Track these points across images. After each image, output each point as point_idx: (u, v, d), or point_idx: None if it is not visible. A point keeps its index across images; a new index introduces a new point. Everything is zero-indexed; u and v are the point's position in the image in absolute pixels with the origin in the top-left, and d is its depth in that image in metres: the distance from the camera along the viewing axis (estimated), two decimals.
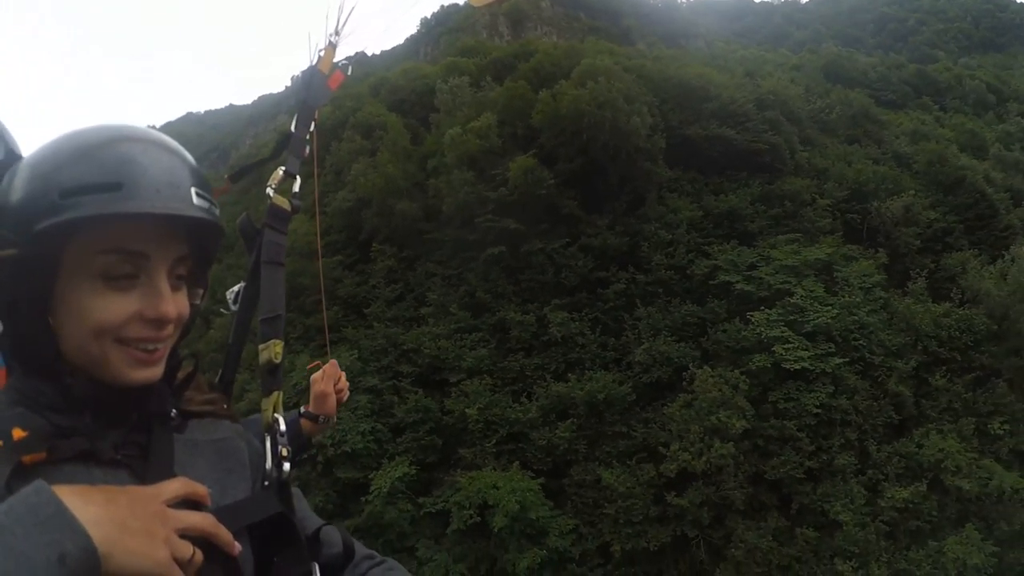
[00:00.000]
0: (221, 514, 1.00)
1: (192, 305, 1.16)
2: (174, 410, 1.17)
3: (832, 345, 31.76)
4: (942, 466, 30.48)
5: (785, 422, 29.82)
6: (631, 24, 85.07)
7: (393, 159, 42.06)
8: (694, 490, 28.25)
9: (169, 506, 0.92)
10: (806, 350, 30.84)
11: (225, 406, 1.31)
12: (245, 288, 1.48)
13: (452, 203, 37.80)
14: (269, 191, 1.46)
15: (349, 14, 1.72)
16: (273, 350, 1.30)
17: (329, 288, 39.41)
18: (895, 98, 70.35)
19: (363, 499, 30.71)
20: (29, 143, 1.28)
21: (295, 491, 1.27)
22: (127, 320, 1.01)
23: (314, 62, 1.70)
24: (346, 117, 49.61)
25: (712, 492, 28.18)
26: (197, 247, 1.14)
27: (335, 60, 1.73)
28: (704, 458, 27.46)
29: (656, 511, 28.72)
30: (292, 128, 1.63)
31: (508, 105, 41.91)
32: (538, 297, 35.40)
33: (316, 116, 1.68)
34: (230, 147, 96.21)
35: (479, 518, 28.57)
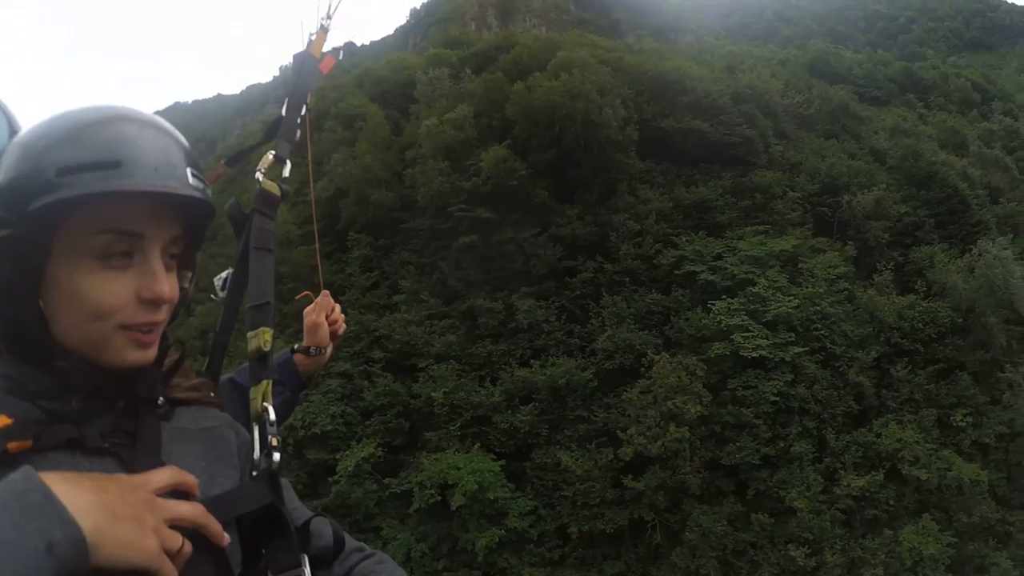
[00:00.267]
0: (210, 504, 0.99)
1: (181, 288, 1.16)
2: (161, 397, 1.15)
3: (793, 334, 32.29)
4: (900, 456, 30.79)
5: (742, 409, 30.42)
6: (621, 17, 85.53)
7: (372, 149, 42.59)
8: (650, 474, 28.87)
9: (158, 496, 0.91)
10: (765, 339, 31.41)
11: (212, 394, 1.29)
12: (233, 275, 1.47)
13: (427, 193, 38.38)
14: (258, 176, 1.45)
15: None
16: (262, 338, 1.29)
17: (306, 276, 40.00)
18: (880, 95, 70.68)
19: (331, 480, 31.44)
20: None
21: (284, 482, 1.23)
22: (125, 301, 1.01)
23: (306, 47, 1.69)
24: (329, 107, 50.04)
25: (668, 476, 28.78)
26: (188, 229, 1.14)
27: (326, 45, 1.73)
28: (660, 442, 28.08)
29: (613, 494, 29.39)
30: (283, 112, 1.61)
31: (485, 97, 42.45)
32: (508, 285, 36.03)
33: (308, 101, 1.67)
34: (217, 137, 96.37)
35: (440, 498, 29.30)
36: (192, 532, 0.93)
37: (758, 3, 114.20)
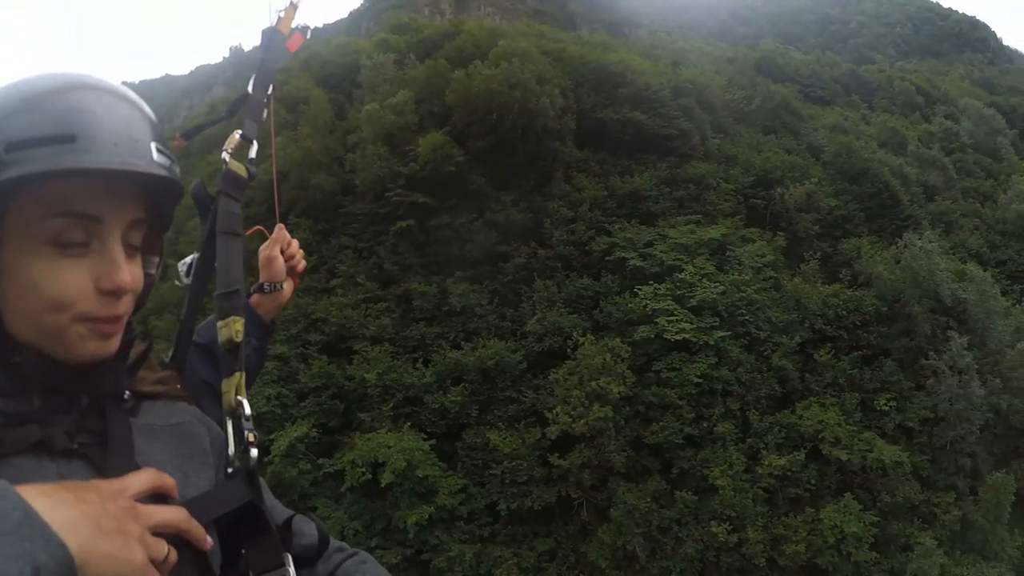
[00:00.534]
0: (189, 506, 0.94)
1: (147, 274, 1.09)
2: (127, 391, 1.08)
3: (717, 319, 33.23)
4: (820, 437, 31.67)
5: (666, 390, 31.21)
6: (576, 10, 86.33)
7: (313, 133, 42.57)
8: (576, 453, 29.52)
9: (137, 501, 0.85)
10: (689, 323, 32.27)
11: (179, 386, 1.23)
12: (198, 259, 1.39)
13: (366, 177, 38.60)
14: (225, 156, 1.38)
15: None
16: (233, 327, 1.20)
17: (246, 259, 39.96)
18: (824, 95, 72.57)
19: (266, 460, 31.54)
20: None
21: (260, 479, 1.16)
22: (83, 292, 0.93)
23: (274, 23, 1.63)
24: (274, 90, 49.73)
25: (593, 455, 29.44)
26: (153, 210, 1.06)
27: (294, 22, 1.67)
28: (583, 421, 28.73)
29: (541, 472, 30.00)
30: (249, 89, 1.53)
31: (428, 84, 42.78)
32: (443, 269, 36.49)
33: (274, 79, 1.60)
34: (163, 119, 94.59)
35: (371, 476, 29.64)
36: (174, 537, 0.88)
37: (713, 2, 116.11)
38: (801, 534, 29.28)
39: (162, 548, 0.84)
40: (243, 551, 1.12)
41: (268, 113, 1.57)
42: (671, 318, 32.07)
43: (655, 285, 33.75)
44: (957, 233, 48.52)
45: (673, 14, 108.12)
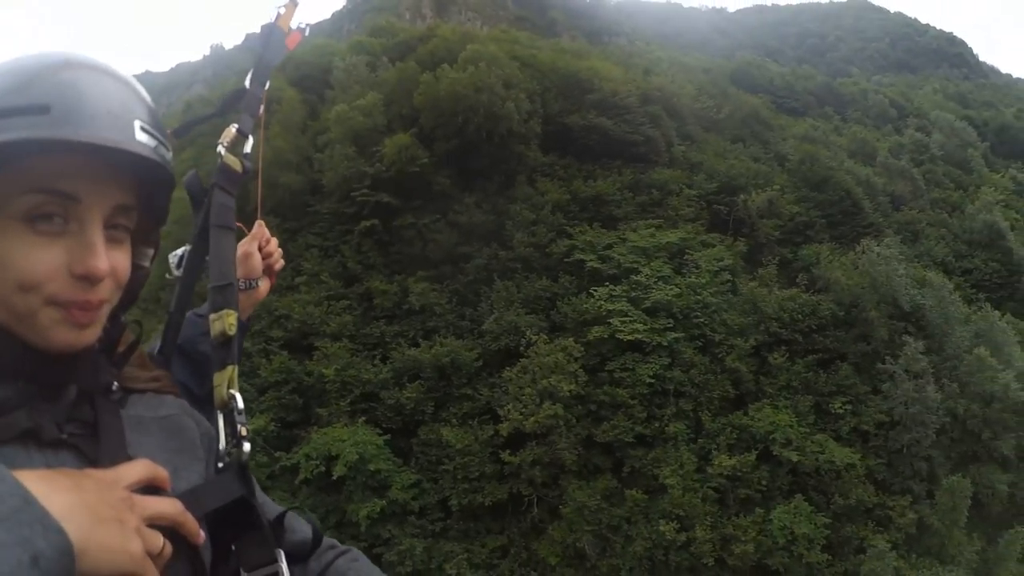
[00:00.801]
0: (182, 500, 0.91)
1: (140, 267, 1.08)
2: (115, 383, 1.07)
3: (672, 321, 33.81)
4: (771, 438, 31.98)
5: (618, 390, 31.74)
6: (557, 17, 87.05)
7: (284, 133, 42.92)
8: (527, 450, 30.01)
9: (131, 492, 0.83)
10: (643, 323, 32.86)
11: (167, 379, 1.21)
12: (190, 252, 1.40)
13: (333, 177, 39.08)
14: (220, 150, 1.38)
15: None
16: (226, 320, 1.18)
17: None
18: (797, 106, 73.56)
19: None
20: None
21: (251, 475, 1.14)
22: (53, 273, 0.89)
23: (274, 19, 1.64)
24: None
25: (544, 452, 29.94)
26: (145, 198, 1.03)
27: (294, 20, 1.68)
28: (534, 418, 29.25)
29: (492, 469, 30.43)
30: (247, 84, 1.53)
31: (398, 86, 43.33)
32: (405, 269, 36.97)
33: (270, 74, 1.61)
34: None
35: (324, 469, 30.04)
36: (167, 530, 0.86)
37: (694, 13, 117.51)
38: (750, 534, 29.47)
39: (158, 540, 0.82)
40: (234, 547, 1.10)
41: (261, 109, 1.57)
42: (624, 319, 32.65)
43: (611, 287, 34.33)
44: (923, 242, 49.25)
45: (654, 25, 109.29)
